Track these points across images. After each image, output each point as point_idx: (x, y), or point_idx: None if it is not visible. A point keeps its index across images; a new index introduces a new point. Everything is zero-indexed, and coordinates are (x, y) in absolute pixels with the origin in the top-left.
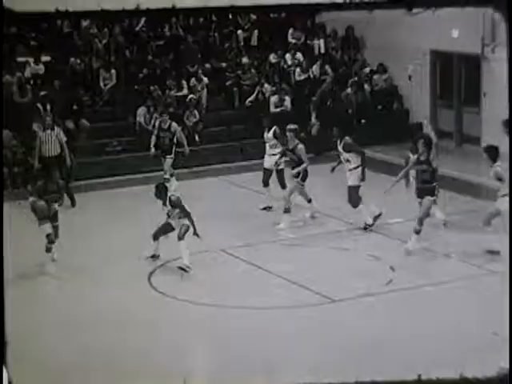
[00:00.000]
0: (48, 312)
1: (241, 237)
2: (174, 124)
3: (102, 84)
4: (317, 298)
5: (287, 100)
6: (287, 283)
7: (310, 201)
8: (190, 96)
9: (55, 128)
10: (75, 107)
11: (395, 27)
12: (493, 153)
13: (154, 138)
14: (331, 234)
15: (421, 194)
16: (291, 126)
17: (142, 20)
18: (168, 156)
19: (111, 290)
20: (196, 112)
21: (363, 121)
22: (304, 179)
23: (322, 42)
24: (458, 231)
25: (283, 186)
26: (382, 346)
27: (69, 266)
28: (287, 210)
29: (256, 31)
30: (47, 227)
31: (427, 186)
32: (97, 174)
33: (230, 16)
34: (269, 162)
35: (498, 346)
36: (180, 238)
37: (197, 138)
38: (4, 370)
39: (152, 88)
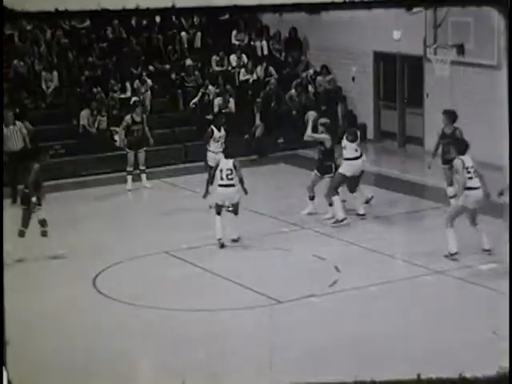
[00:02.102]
0: None
1: (185, 239)
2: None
3: (44, 86)
4: (263, 300)
5: (231, 102)
6: (233, 285)
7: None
8: (134, 98)
9: (16, 123)
10: (18, 110)
11: (338, 29)
12: (462, 146)
13: (123, 133)
14: (275, 235)
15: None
16: (324, 120)
17: (88, 22)
18: (140, 150)
19: (54, 291)
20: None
21: None
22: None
23: (265, 43)
24: (403, 231)
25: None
26: (330, 348)
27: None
28: (311, 198)
29: (199, 33)
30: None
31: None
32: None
33: (174, 18)
34: (217, 159)
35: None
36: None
37: None
38: (4, 371)
39: (95, 90)
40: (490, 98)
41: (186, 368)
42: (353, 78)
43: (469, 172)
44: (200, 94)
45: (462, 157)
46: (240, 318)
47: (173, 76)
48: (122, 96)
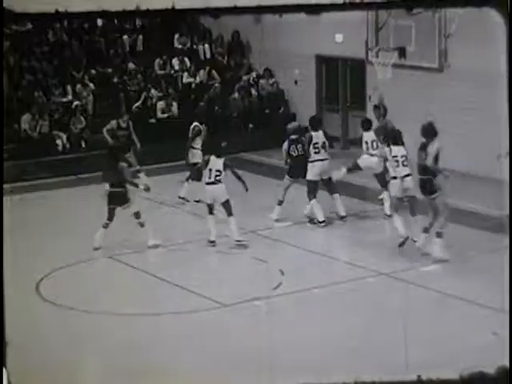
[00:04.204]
0: None
1: (127, 243)
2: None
3: None
4: (207, 303)
5: (174, 105)
6: (176, 288)
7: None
8: (76, 102)
9: None
10: None
11: (280, 32)
12: (392, 136)
13: (109, 138)
14: (218, 239)
15: None
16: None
17: (29, 25)
18: (127, 154)
19: None
20: (82, 118)
21: (251, 125)
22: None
23: (207, 47)
24: (346, 232)
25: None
26: (275, 351)
27: None
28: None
29: (141, 36)
30: None
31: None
32: None
33: (116, 21)
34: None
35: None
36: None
37: (83, 144)
38: (4, 371)
39: (36, 94)
40: (432, 100)
41: (129, 371)
42: (295, 81)
43: (396, 161)
44: (143, 97)
45: (392, 146)
46: (184, 321)
47: (115, 80)
48: (64, 100)
